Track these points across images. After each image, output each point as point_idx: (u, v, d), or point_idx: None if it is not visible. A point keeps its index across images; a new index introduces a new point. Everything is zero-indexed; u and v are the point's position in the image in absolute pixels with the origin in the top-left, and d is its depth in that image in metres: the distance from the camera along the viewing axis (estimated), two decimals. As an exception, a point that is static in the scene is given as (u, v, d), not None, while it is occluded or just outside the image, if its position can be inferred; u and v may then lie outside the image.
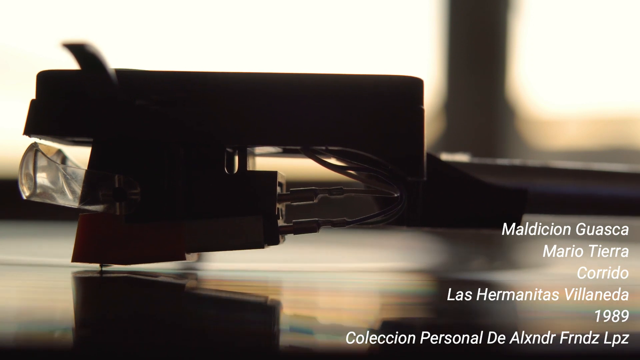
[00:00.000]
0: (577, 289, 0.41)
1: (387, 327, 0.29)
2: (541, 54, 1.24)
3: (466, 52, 1.21)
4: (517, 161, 0.42)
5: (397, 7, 1.23)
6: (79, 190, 0.36)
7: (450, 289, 0.38)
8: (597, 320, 0.31)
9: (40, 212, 0.51)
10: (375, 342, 0.27)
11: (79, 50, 0.34)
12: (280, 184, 0.37)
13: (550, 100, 1.25)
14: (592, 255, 0.69)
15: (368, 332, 0.28)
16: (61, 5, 1.16)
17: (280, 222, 0.37)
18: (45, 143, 0.37)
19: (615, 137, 1.25)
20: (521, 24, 1.22)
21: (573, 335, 0.28)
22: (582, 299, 0.38)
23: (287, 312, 0.32)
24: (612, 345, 0.26)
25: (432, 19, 1.22)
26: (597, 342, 0.27)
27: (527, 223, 0.41)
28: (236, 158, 0.37)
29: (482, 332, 0.28)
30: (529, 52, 1.22)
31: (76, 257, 0.36)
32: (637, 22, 1.24)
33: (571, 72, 1.26)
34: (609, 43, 1.24)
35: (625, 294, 0.40)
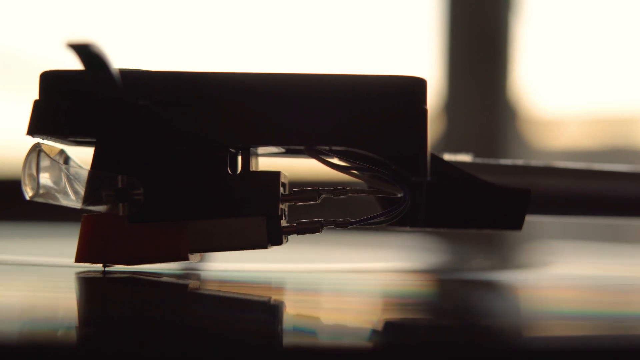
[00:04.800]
0: (578, 289, 0.41)
1: (390, 327, 0.29)
2: (542, 54, 1.24)
3: (467, 52, 1.21)
4: (519, 161, 0.42)
5: (398, 8, 1.23)
6: (82, 190, 0.36)
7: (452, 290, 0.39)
8: (598, 321, 0.31)
9: (43, 213, 0.51)
10: (378, 342, 0.27)
11: (83, 50, 0.34)
12: (283, 184, 0.37)
13: (551, 101, 1.25)
14: (593, 256, 0.69)
15: (371, 332, 0.28)
16: (63, 6, 1.16)
17: (284, 223, 0.37)
18: (48, 143, 0.37)
19: (616, 138, 1.25)
20: (522, 25, 1.22)
21: (573, 335, 0.28)
22: (584, 298, 0.38)
23: (291, 312, 0.32)
24: (612, 346, 0.26)
25: (433, 19, 1.22)
26: (597, 342, 0.27)
27: (530, 223, 0.41)
28: (239, 158, 0.37)
29: (484, 332, 0.28)
30: (529, 53, 1.22)
31: (79, 258, 0.36)
32: (637, 22, 1.24)
33: (572, 73, 1.26)
34: (609, 43, 1.24)
35: (625, 294, 0.40)
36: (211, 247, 0.36)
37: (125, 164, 0.36)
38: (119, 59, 0.36)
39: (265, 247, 0.36)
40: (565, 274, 0.50)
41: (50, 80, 0.36)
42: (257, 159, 0.39)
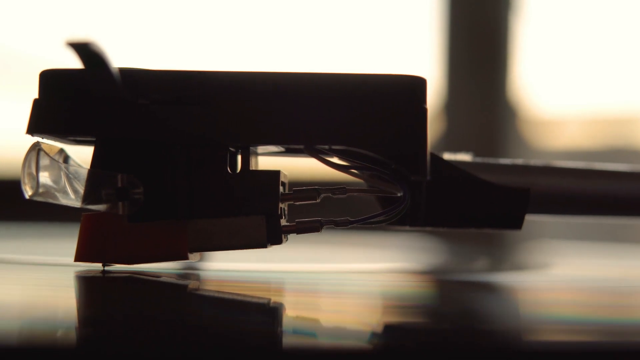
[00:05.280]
0: (578, 291, 0.41)
1: (389, 329, 0.29)
2: (542, 54, 1.24)
3: (467, 52, 1.21)
4: (519, 161, 0.42)
5: (398, 7, 1.23)
6: (81, 189, 0.36)
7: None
8: (598, 323, 0.31)
9: (43, 213, 0.51)
10: (377, 344, 0.27)
11: (82, 48, 0.34)
12: (283, 184, 0.37)
13: (551, 101, 1.25)
14: (593, 256, 0.69)
15: (371, 333, 0.28)
16: (63, 6, 1.16)
17: (283, 222, 0.37)
18: (47, 142, 0.37)
19: (616, 138, 1.25)
20: (522, 24, 1.22)
21: (573, 338, 0.28)
22: (584, 301, 0.38)
23: (290, 313, 0.32)
24: (612, 348, 0.26)
25: (433, 19, 1.22)
26: (597, 343, 0.27)
27: (530, 222, 0.41)
28: (239, 157, 0.37)
29: (483, 334, 0.28)
30: (529, 53, 1.22)
31: (79, 257, 0.36)
32: (637, 22, 1.24)
33: (572, 72, 1.26)
34: (609, 43, 1.24)
35: (625, 295, 0.40)
36: (211, 246, 0.36)
37: (125, 163, 0.36)
38: (119, 58, 0.36)
39: (265, 247, 0.36)
40: (565, 274, 0.50)
41: (50, 79, 0.36)
42: (256, 158, 0.39)
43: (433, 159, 0.38)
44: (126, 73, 0.35)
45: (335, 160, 0.37)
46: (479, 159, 0.41)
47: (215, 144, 0.36)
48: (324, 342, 0.26)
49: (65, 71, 0.36)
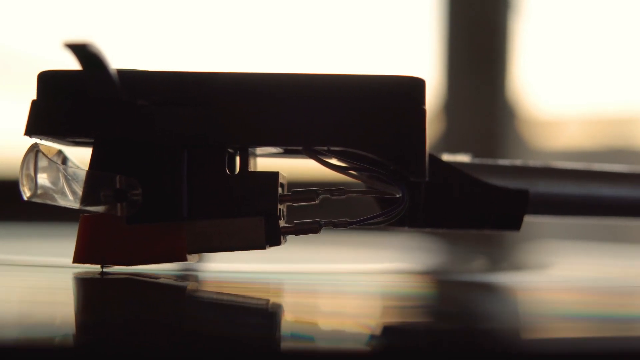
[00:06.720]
0: (577, 290, 0.41)
1: (388, 330, 0.29)
2: (541, 54, 1.24)
3: (466, 52, 1.21)
4: (518, 162, 0.42)
5: (397, 8, 1.23)
6: (80, 191, 0.36)
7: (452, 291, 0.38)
8: (598, 322, 0.31)
9: (43, 213, 0.51)
10: (376, 346, 0.27)
11: (80, 50, 0.34)
12: (282, 185, 0.37)
13: (551, 101, 1.25)
14: (592, 256, 0.69)
15: (370, 335, 0.28)
16: (63, 6, 1.16)
17: (282, 223, 0.37)
18: (45, 144, 0.37)
19: (616, 138, 1.25)
20: (521, 25, 1.22)
21: (573, 336, 0.28)
22: (584, 300, 0.38)
23: (289, 314, 0.32)
24: (612, 347, 0.26)
25: (432, 19, 1.22)
26: (597, 343, 0.27)
27: (529, 224, 0.41)
28: (237, 158, 0.37)
29: (483, 334, 0.28)
30: (529, 53, 1.22)
31: (77, 258, 0.36)
32: (637, 22, 1.24)
33: (571, 73, 1.26)
34: (608, 43, 1.24)
35: (625, 295, 0.40)
36: (209, 247, 0.36)
37: (124, 164, 0.36)
38: (117, 59, 0.36)
39: (264, 248, 0.36)
40: (564, 275, 0.50)
41: (49, 80, 0.36)
42: (255, 159, 0.39)
43: (432, 160, 0.38)
44: (124, 74, 0.35)
45: (333, 161, 0.37)
46: (477, 160, 0.41)
47: (213, 145, 0.36)
48: (322, 344, 0.26)
49: (63, 72, 0.36)
